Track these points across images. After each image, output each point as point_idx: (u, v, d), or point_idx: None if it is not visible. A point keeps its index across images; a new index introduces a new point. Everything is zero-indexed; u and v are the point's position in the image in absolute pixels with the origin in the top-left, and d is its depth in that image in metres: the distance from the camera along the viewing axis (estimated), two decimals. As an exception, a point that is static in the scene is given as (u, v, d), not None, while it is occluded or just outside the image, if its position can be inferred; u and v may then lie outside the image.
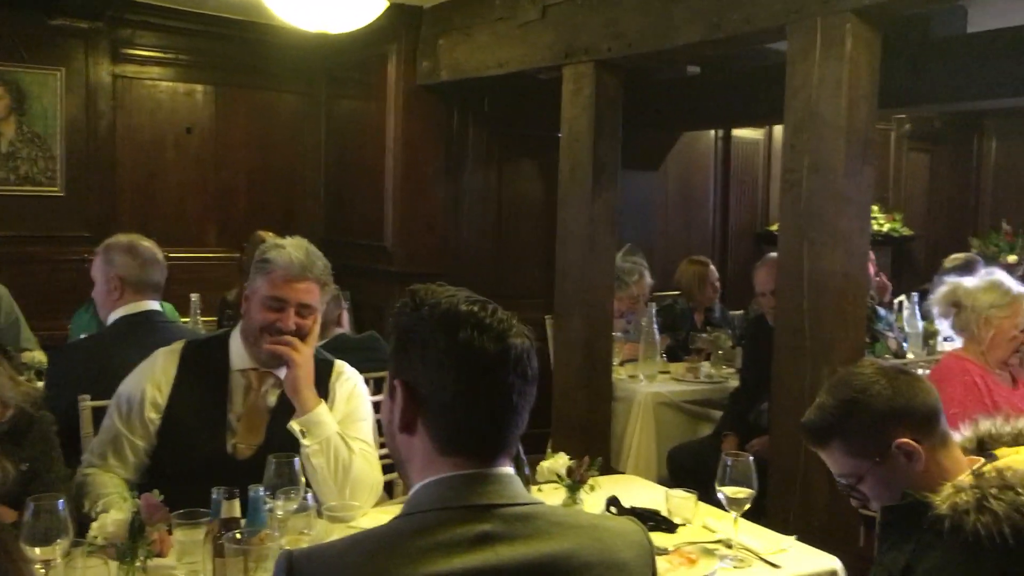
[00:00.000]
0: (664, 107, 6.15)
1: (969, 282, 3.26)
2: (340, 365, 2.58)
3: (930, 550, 1.59)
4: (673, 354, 4.93)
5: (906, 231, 7.87)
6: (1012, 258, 6.86)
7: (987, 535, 1.50)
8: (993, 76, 3.50)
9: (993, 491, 1.54)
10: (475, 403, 1.22)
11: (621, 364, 4.72)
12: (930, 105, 5.27)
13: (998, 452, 1.73)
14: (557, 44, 4.41)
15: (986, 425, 1.83)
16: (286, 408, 2.39)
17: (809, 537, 2.38)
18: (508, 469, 1.25)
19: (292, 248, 2.43)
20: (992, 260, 6.48)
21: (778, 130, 6.88)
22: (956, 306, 3.26)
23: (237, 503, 1.99)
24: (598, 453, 2.84)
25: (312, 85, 6.38)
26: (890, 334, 4.46)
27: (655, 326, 4.58)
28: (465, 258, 5.96)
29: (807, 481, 3.28)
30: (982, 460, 1.70)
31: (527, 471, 2.28)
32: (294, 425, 2.33)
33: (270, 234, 4.45)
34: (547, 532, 1.20)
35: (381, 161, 5.79)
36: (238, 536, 1.86)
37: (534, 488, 2.50)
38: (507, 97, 5.85)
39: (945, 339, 4.75)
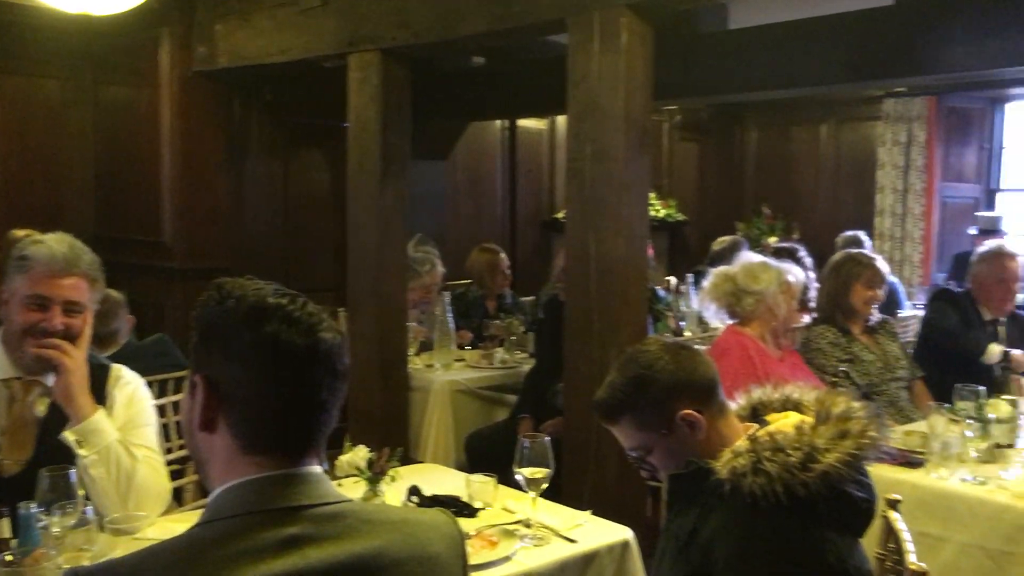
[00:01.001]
0: (451, 97, 6.20)
1: (738, 266, 3.48)
2: (118, 369, 2.42)
3: (713, 512, 1.69)
4: (470, 341, 4.99)
5: (680, 216, 8.35)
6: (773, 239, 7.44)
7: (762, 495, 1.62)
8: (753, 71, 3.77)
9: (766, 454, 1.66)
10: (280, 399, 1.18)
11: (417, 354, 4.72)
12: (698, 98, 5.60)
13: (769, 418, 1.86)
14: (341, 32, 4.33)
15: (758, 393, 1.96)
16: (58, 418, 2.21)
17: (603, 511, 2.48)
18: (316, 468, 1.22)
19: (54, 242, 2.24)
20: (755, 242, 7.01)
21: (561, 120, 7.10)
22: (739, 294, 3.45)
23: (7, 522, 1.82)
24: (397, 444, 2.83)
25: (76, 70, 5.92)
26: (669, 313, 4.72)
27: (449, 315, 4.61)
28: (251, 251, 5.75)
29: (600, 457, 3.42)
30: (756, 426, 1.83)
31: (325, 466, 2.23)
32: (69, 435, 2.16)
33: (28, 232, 4.10)
34: (357, 530, 1.18)
35: (157, 151, 5.47)
36: (9, 558, 1.70)
37: (333, 483, 2.45)
38: (292, 85, 5.69)
39: (722, 319, 5.07)
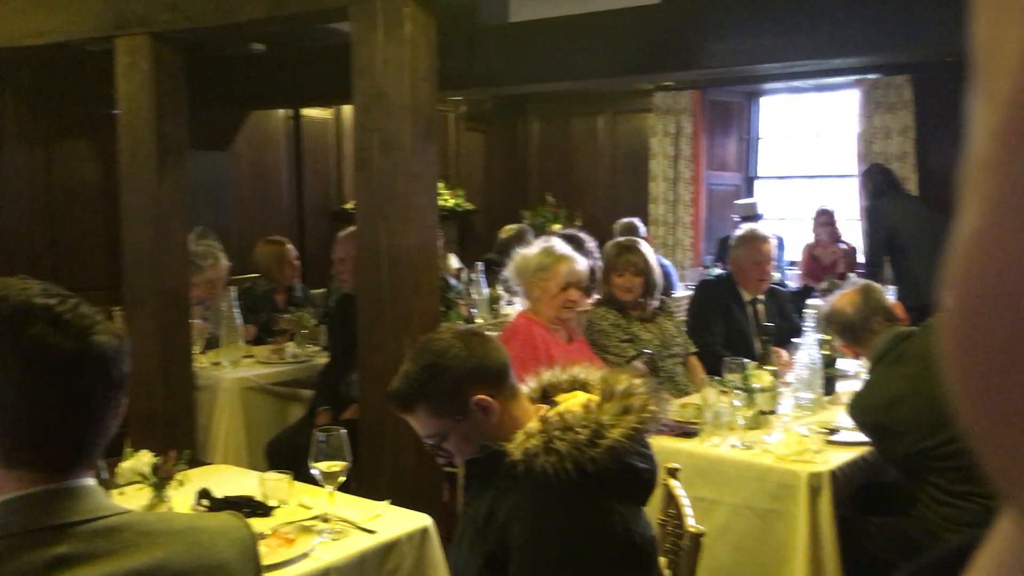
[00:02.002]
0: (231, 85, 5.97)
1: (524, 251, 3.61)
2: None
3: (509, 493, 1.75)
4: (257, 338, 4.85)
5: (468, 206, 8.47)
6: (557, 226, 7.70)
7: (554, 472, 1.69)
8: (533, 63, 3.89)
9: (557, 433, 1.73)
10: (45, 408, 1.10)
11: (202, 352, 4.53)
12: (481, 89, 5.71)
13: (558, 398, 1.94)
14: (107, 13, 4.06)
15: (547, 375, 2.04)
16: None
17: (401, 500, 2.50)
18: (88, 481, 1.14)
19: None
20: (541, 229, 7.23)
21: (347, 109, 7.01)
22: (517, 277, 3.60)
23: None
24: (184, 446, 2.72)
25: None
26: (461, 302, 4.79)
27: (236, 310, 4.46)
28: (11, 249, 5.31)
29: (396, 447, 3.42)
30: (546, 407, 1.90)
31: (104, 475, 2.12)
32: None
33: None
34: (135, 544, 1.12)
35: None
36: None
37: (115, 493, 2.32)
38: (53, 70, 5.28)
39: (508, 303, 5.21)
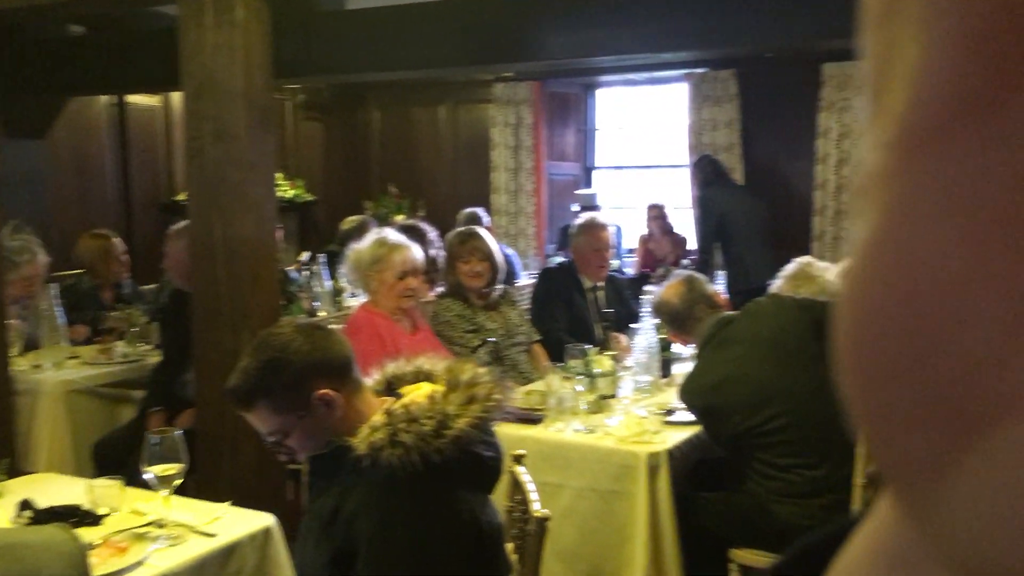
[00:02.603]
0: (46, 70, 5.59)
1: (357, 245, 3.57)
2: None
3: (354, 488, 1.72)
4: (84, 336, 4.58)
5: (308, 197, 8.29)
6: (401, 217, 7.64)
7: (400, 465, 1.68)
8: (371, 51, 3.83)
9: (402, 425, 1.72)
10: None
11: (21, 354, 4.24)
12: (318, 77, 5.58)
13: (403, 390, 1.93)
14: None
15: (392, 368, 2.02)
16: None
17: (243, 500, 2.42)
18: None
19: None
20: (384, 220, 7.16)
21: (177, 97, 6.71)
22: (356, 269, 3.54)
23: None
24: (3, 455, 2.54)
25: None
26: (303, 295, 4.68)
27: (57, 309, 4.19)
28: None
29: (235, 446, 3.32)
30: (392, 399, 1.89)
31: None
32: None
33: None
34: None
35: None
36: None
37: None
38: None
39: (351, 296, 5.13)
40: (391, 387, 1.98)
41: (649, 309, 3.73)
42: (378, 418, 1.77)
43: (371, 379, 2.00)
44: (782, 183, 7.24)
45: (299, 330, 1.86)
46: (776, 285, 3.77)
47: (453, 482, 1.73)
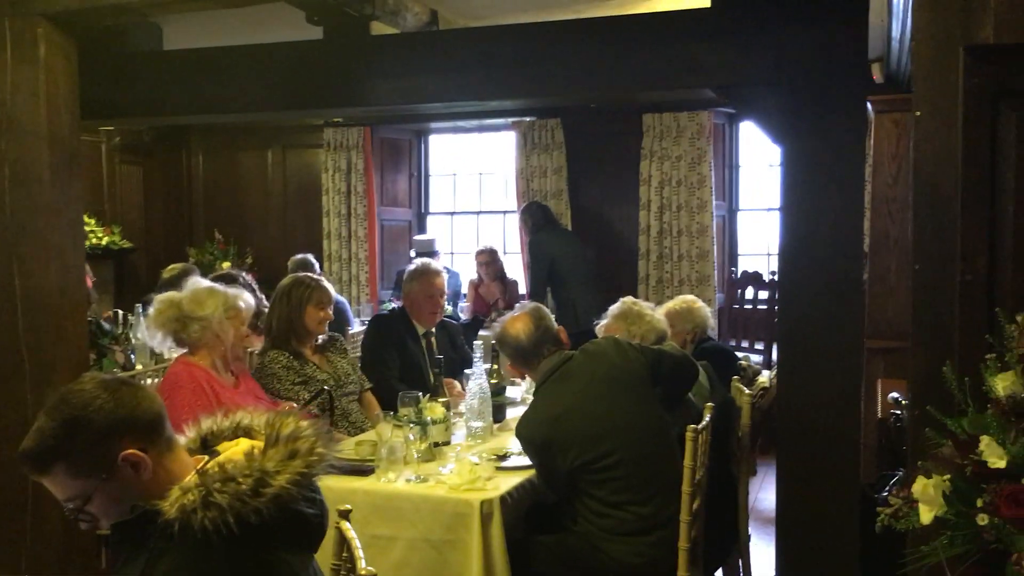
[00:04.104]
0: None
1: (182, 294, 3.38)
2: None
3: (164, 555, 1.60)
4: None
5: (126, 244, 7.88)
6: (226, 265, 7.39)
7: (214, 528, 1.57)
8: (190, 94, 3.69)
9: (217, 485, 1.62)
10: None
11: None
12: (133, 118, 5.32)
13: (220, 448, 1.82)
14: None
15: (208, 423, 1.91)
16: None
17: (48, 567, 2.23)
18: None
19: None
20: (209, 268, 6.89)
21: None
22: (184, 320, 3.34)
23: None
24: None
25: None
26: (117, 347, 4.41)
27: None
28: None
29: (38, 511, 3.06)
30: (206, 458, 1.78)
31: None
32: None
33: None
34: None
35: None
36: None
37: None
38: None
39: (171, 347, 4.86)
40: (207, 444, 1.87)
41: (484, 352, 3.73)
42: (191, 479, 1.66)
43: (185, 437, 1.88)
44: (609, 228, 7.47)
45: (103, 386, 1.72)
46: (604, 324, 3.86)
47: (273, 543, 1.64)
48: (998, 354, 1.83)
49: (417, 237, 7.96)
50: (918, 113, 2.31)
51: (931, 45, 2.26)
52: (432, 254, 6.98)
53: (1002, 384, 1.77)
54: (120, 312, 4.91)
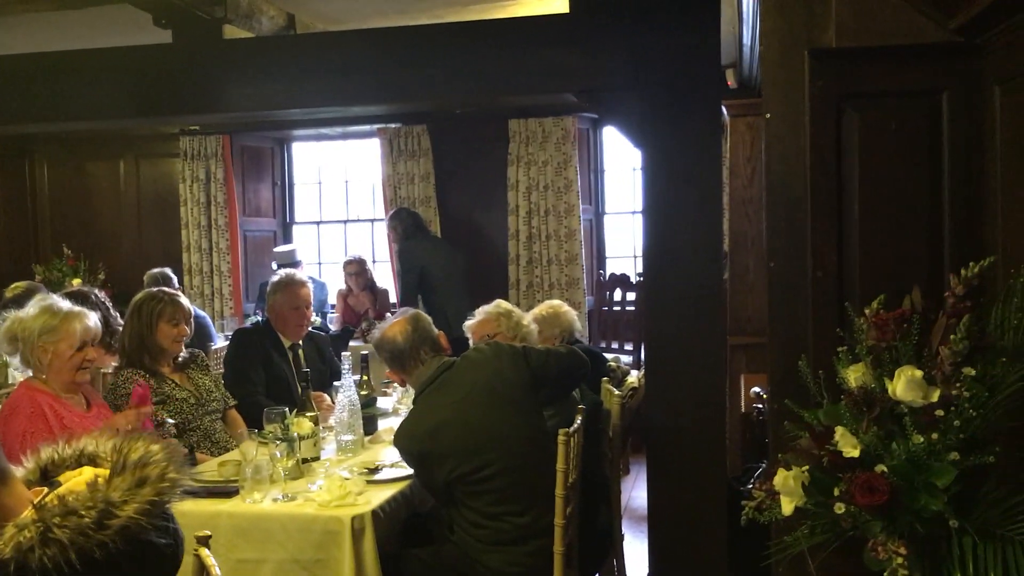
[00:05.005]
0: None
1: (22, 313, 3.19)
2: None
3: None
4: None
5: (-35, 262, 7.38)
6: (77, 281, 6.99)
7: (54, 567, 1.46)
8: (28, 101, 3.47)
9: (56, 520, 1.50)
10: None
11: None
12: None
13: (62, 478, 1.70)
14: None
15: (48, 452, 1.78)
16: None
17: None
18: None
19: None
20: (58, 285, 6.52)
21: None
22: (17, 341, 3.17)
23: None
24: None
25: None
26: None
27: None
28: None
29: None
30: (46, 490, 1.65)
31: None
32: None
33: None
34: None
35: None
36: None
37: None
38: None
39: (16, 369, 4.57)
40: (47, 475, 1.74)
41: (352, 363, 3.65)
42: (27, 515, 1.54)
43: (23, 468, 1.74)
44: (478, 234, 7.47)
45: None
46: (475, 321, 3.82)
47: (124, 577, 1.53)
48: (849, 347, 1.90)
49: (277, 248, 7.74)
50: (768, 115, 2.38)
51: (777, 50, 2.34)
52: (294, 264, 6.81)
53: (853, 375, 1.83)
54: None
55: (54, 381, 3.14)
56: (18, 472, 1.71)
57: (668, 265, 2.97)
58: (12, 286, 5.41)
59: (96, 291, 4.35)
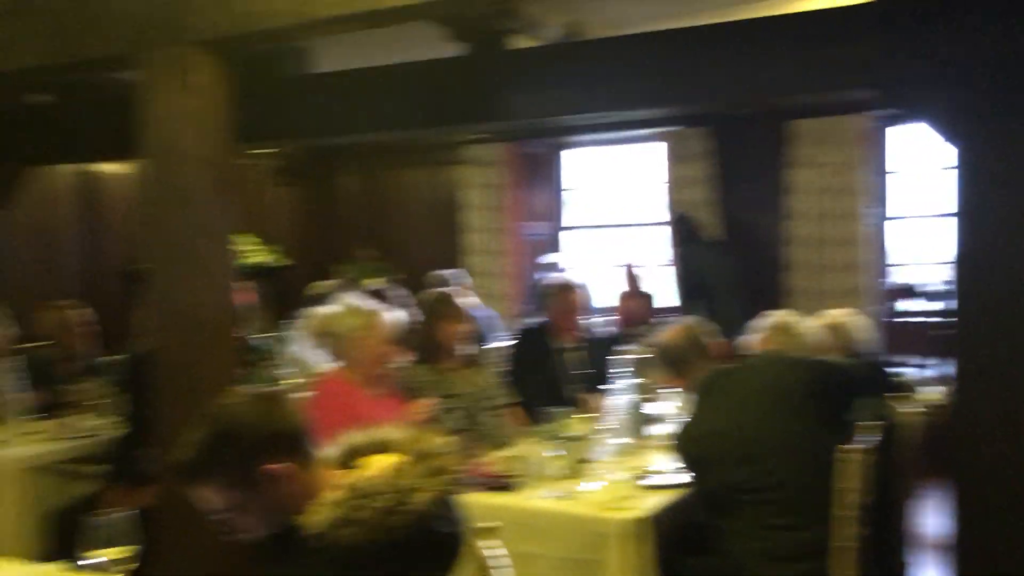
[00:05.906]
0: (3, 139, 5.44)
1: (330, 310, 3.47)
2: None
3: (304, 571, 1.61)
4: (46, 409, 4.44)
5: (286, 261, 8.20)
6: (377, 281, 7.53)
7: (354, 545, 1.57)
8: (339, 115, 3.77)
9: (357, 502, 1.61)
10: None
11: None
12: (286, 141, 5.50)
13: (363, 463, 1.82)
14: None
15: (350, 438, 1.91)
16: None
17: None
18: None
19: None
20: (358, 284, 7.06)
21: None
22: (327, 335, 3.45)
23: None
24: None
25: None
26: (266, 362, 4.55)
27: (20, 381, 4.07)
28: None
29: (200, 524, 3.16)
30: (347, 473, 1.78)
31: None
32: None
33: None
34: None
35: None
36: None
37: None
38: None
39: (324, 360, 4.98)
40: (349, 459, 1.87)
41: (628, 366, 3.66)
42: (332, 494, 1.66)
43: (328, 451, 1.89)
44: (756, 239, 7.21)
45: (249, 400, 1.76)
46: (751, 339, 3.71)
47: (410, 562, 1.62)
48: None
49: (541, 259, 7.92)
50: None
51: None
52: (556, 271, 6.93)
53: None
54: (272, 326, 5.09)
55: (359, 373, 3.39)
56: (322, 454, 1.86)
57: (985, 274, 2.69)
58: (319, 283, 5.93)
59: (396, 290, 4.65)
